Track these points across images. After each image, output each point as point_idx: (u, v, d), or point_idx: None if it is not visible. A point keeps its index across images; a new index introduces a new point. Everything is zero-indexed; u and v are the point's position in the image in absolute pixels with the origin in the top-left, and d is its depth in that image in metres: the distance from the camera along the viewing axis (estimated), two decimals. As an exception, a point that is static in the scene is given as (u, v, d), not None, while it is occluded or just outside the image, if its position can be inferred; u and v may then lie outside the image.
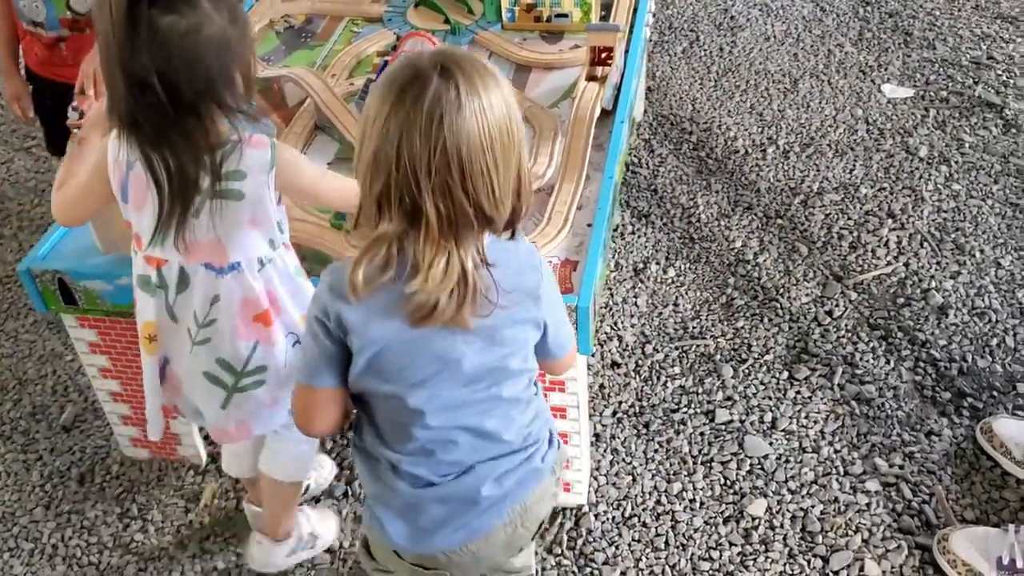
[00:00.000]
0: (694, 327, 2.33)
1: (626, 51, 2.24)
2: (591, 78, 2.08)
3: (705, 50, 3.36)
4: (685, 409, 2.13)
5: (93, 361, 1.96)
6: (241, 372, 1.55)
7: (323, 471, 2.01)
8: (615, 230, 2.61)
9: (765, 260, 2.50)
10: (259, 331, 1.53)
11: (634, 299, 2.42)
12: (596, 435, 2.08)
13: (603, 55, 2.08)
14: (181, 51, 1.29)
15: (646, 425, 2.10)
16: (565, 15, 2.36)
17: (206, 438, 2.13)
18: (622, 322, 2.36)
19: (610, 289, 2.44)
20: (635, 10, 2.42)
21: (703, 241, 2.58)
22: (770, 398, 2.14)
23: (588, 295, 1.62)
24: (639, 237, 2.60)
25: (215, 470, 2.08)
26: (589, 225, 1.79)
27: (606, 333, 2.33)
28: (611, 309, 2.39)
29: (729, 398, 2.15)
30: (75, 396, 2.28)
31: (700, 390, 2.17)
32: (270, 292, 1.52)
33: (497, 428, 1.27)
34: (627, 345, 2.29)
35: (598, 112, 2.01)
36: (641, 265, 2.51)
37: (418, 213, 1.10)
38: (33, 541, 1.98)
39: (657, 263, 2.52)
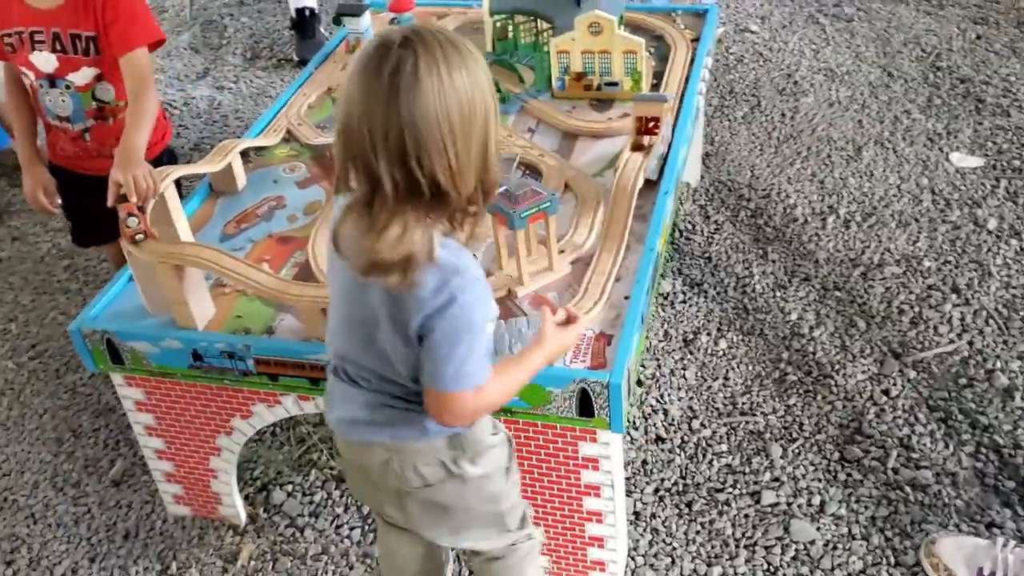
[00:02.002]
0: (744, 403, 2.27)
1: (675, 121, 2.22)
2: (636, 148, 2.07)
3: (766, 115, 3.32)
4: (730, 489, 2.06)
5: (139, 419, 1.99)
6: None
7: None
8: (665, 298, 2.57)
9: (821, 334, 2.43)
10: None
11: (683, 371, 2.37)
12: (636, 513, 2.03)
13: (650, 125, 2.07)
14: None
15: (688, 504, 2.04)
16: (615, 84, 2.36)
17: (246, 498, 2.15)
18: (669, 395, 2.31)
19: (658, 360, 2.39)
20: (687, 79, 2.41)
21: (757, 312, 2.52)
22: (820, 480, 2.06)
23: (620, 372, 1.59)
24: (690, 306, 2.56)
25: (253, 531, 2.09)
26: (627, 298, 1.76)
27: (651, 406, 2.28)
28: (658, 381, 2.34)
29: (777, 479, 2.08)
30: (125, 450, 2.32)
31: (747, 470, 2.10)
32: None
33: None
34: (673, 419, 2.24)
35: (641, 182, 1.99)
36: (691, 336, 2.47)
37: (377, 180, 1.16)
38: (73, 596, 2.01)
39: (708, 334, 2.47)
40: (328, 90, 2.55)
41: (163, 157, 2.29)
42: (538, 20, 2.55)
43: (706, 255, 2.73)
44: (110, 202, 1.78)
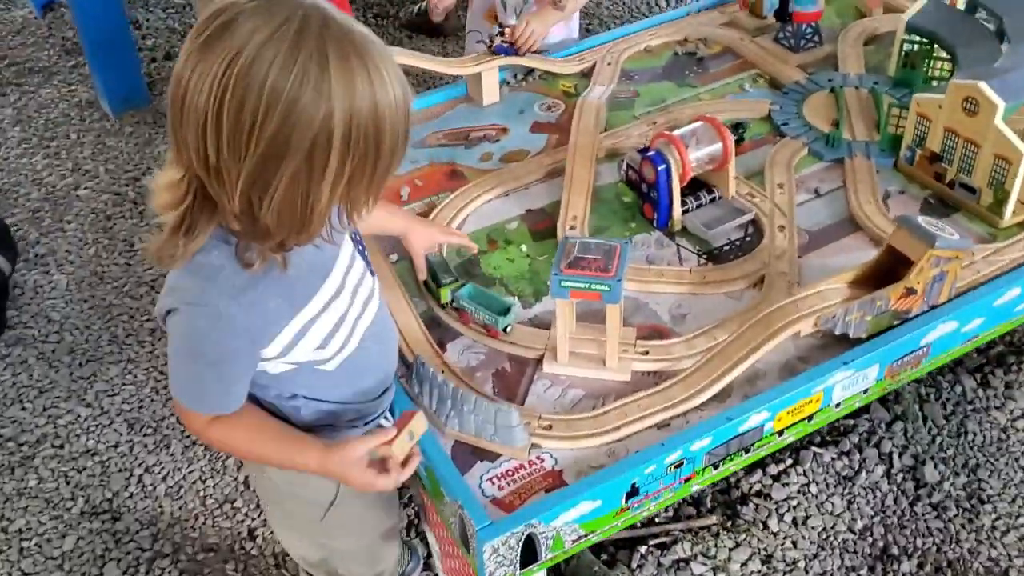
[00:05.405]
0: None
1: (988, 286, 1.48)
2: (857, 282, 1.42)
3: None
4: None
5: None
6: None
7: None
8: (916, 484, 1.84)
9: None
10: None
11: (838, 581, 1.71)
12: None
13: (899, 267, 1.39)
14: None
15: None
16: (972, 189, 1.62)
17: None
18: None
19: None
20: (1087, 234, 1.56)
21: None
22: None
23: (501, 530, 1.18)
24: (953, 518, 1.79)
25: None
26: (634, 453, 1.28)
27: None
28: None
29: None
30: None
31: None
32: None
33: None
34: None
35: (806, 328, 1.38)
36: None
37: None
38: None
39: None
40: (683, 40, 2.15)
41: None
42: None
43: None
44: None
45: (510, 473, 1.28)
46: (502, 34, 2.00)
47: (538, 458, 1.29)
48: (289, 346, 1.08)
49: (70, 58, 3.15)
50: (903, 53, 1.90)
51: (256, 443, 1.13)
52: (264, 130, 0.87)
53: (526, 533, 1.20)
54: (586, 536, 1.27)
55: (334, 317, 1.11)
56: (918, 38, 1.87)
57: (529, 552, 1.23)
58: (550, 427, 1.31)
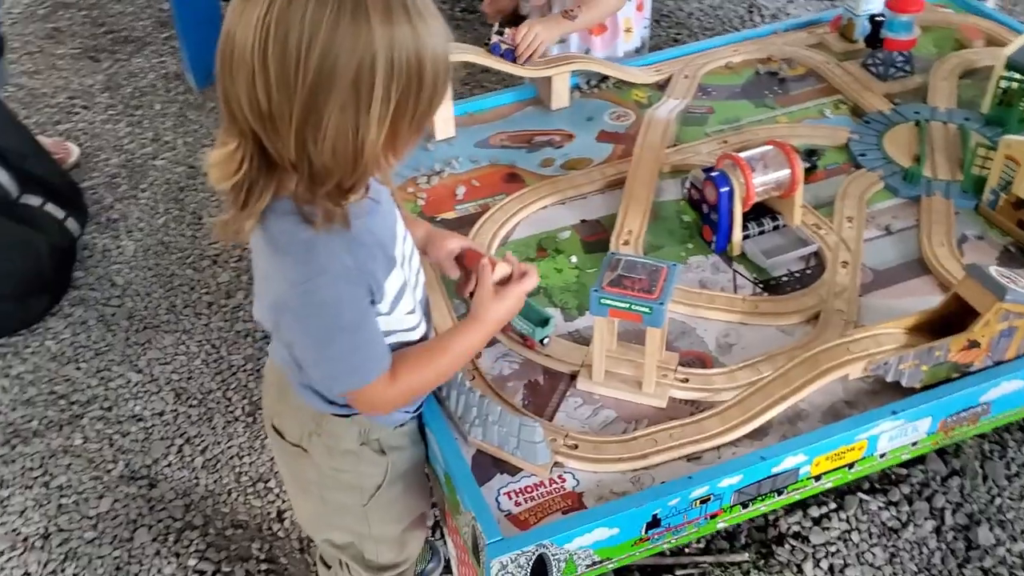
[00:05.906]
0: None
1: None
2: (917, 328, 1.34)
3: None
4: None
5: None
6: None
7: None
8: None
9: None
10: None
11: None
12: None
13: (965, 317, 1.31)
14: None
15: None
16: (1056, 242, 1.53)
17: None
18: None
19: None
20: None
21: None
22: None
23: (506, 548, 1.15)
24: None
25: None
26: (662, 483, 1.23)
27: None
28: (825, 619, 1.65)
29: None
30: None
31: None
32: None
33: None
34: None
35: (849, 373, 1.31)
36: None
37: None
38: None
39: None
40: (766, 59, 2.08)
41: None
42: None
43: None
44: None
45: (529, 489, 1.24)
46: (501, 33, 1.91)
47: (560, 477, 1.25)
48: (394, 302, 1.10)
49: (164, 30, 3.23)
50: (1000, 90, 1.81)
51: (433, 366, 1.16)
52: (309, 61, 0.90)
53: (537, 553, 1.17)
54: (601, 563, 1.23)
55: (412, 282, 1.14)
56: (1018, 76, 1.77)
57: (540, 573, 1.19)
58: (576, 446, 1.27)
